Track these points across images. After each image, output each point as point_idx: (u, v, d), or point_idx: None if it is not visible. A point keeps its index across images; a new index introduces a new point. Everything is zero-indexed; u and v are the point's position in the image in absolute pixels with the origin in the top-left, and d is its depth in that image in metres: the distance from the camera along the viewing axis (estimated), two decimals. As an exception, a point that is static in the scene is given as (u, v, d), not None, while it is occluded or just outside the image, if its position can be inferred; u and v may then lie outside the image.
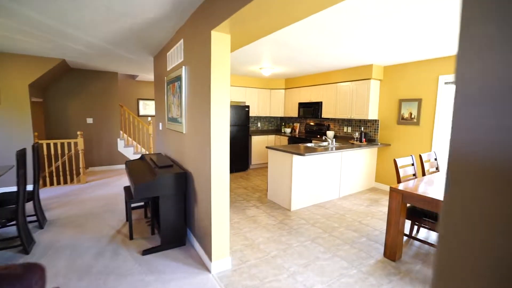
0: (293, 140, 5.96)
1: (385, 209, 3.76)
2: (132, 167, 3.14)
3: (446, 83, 3.83)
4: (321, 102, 5.56)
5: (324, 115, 5.54)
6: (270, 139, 6.56)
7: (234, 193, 4.45)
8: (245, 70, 5.31)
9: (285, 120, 7.20)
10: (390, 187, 2.39)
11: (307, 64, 4.61)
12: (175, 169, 2.68)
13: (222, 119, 2.16)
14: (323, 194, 4.05)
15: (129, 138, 6.59)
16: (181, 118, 2.78)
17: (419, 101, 4.13)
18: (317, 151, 3.58)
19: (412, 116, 4.24)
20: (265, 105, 6.72)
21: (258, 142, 6.36)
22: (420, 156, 2.94)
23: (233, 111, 5.70)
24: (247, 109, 5.93)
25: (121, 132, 6.52)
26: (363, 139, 4.60)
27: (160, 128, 4.03)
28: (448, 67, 3.79)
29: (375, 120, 4.79)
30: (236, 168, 5.97)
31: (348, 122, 5.33)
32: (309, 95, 5.91)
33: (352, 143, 4.56)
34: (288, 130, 6.72)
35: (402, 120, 4.38)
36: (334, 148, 3.95)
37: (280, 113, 6.80)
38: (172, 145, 3.36)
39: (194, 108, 2.47)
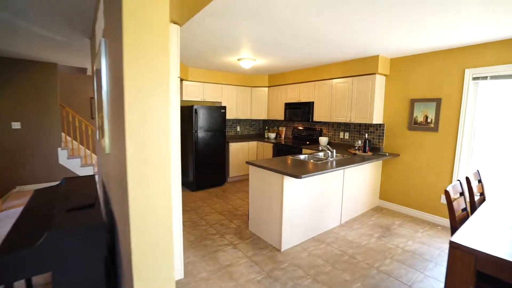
0: (279, 148, 4.97)
1: (403, 243, 2.86)
2: (33, 203, 1.97)
3: (474, 78, 3.02)
4: (313, 103, 4.63)
5: (316, 118, 4.60)
6: (252, 146, 5.54)
7: (206, 222, 3.37)
8: (220, 62, 4.25)
9: (269, 124, 6.22)
10: (452, 242, 1.45)
11: (297, 54, 3.64)
12: (93, 215, 1.57)
13: (153, 134, 1.10)
14: (322, 222, 3.08)
15: (73, 145, 5.28)
16: (104, 127, 1.67)
17: (438, 101, 3.30)
18: (315, 171, 2.60)
19: (429, 120, 3.40)
20: (245, 105, 5.69)
21: (237, 150, 5.31)
22: (468, 180, 2.04)
23: (206, 113, 4.62)
24: (223, 110, 4.87)
25: (66, 138, 5.20)
26: (367, 148, 3.70)
27: (97, 138, 2.87)
28: (477, 57, 2.97)
29: (380, 124, 3.92)
30: (211, 183, 4.87)
31: (346, 126, 4.44)
32: (297, 94, 4.96)
33: (354, 154, 3.65)
34: (272, 135, 5.73)
35: (415, 125, 3.53)
36: (335, 163, 3.00)
37: (263, 115, 5.80)
38: (102, 167, 2.23)
39: (114, 111, 1.38)
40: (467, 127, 3.10)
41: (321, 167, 2.75)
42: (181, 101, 5.01)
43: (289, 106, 5.10)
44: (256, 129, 6.36)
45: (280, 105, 5.38)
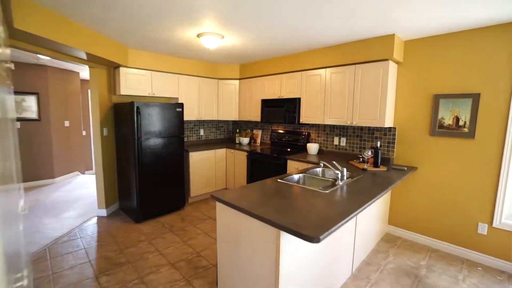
0: (255, 158, 3.83)
1: (453, 308, 1.91)
2: None
3: (531, 65, 2.19)
4: (299, 100, 3.57)
5: (303, 119, 3.55)
6: (220, 155, 4.32)
7: (146, 286, 2.09)
8: (173, 40, 2.96)
9: (241, 126, 5.04)
10: None
11: (282, 27, 2.53)
12: None
13: None
14: (331, 279, 2.02)
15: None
16: None
17: (475, 97, 2.44)
18: (334, 219, 1.51)
19: (461, 123, 2.53)
20: (210, 103, 4.45)
21: (200, 161, 4.05)
22: None
23: (154, 113, 3.29)
24: (179, 109, 3.57)
25: None
26: (379, 161, 2.72)
27: None
28: (535, 37, 2.15)
29: (390, 128, 3.00)
30: (164, 208, 3.56)
31: (342, 130, 3.45)
32: (278, 89, 3.86)
33: (363, 169, 2.65)
34: (245, 141, 4.57)
35: (441, 129, 2.65)
36: (346, 191, 1.96)
37: (233, 116, 4.61)
38: None
39: None
40: (517, 133, 2.28)
41: (336, 205, 1.67)
42: (119, 96, 3.60)
43: (267, 104, 3.98)
44: (225, 133, 5.14)
45: (255, 103, 4.24)
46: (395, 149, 2.99)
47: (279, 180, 2.21)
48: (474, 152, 2.48)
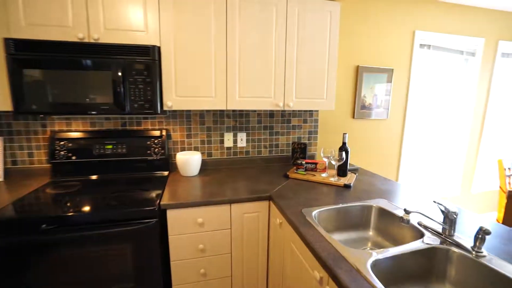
0: (31, 236, 1.13)
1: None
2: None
3: (422, 45, 2.26)
4: (157, 50, 1.43)
5: (174, 101, 1.51)
6: None
7: None
8: None
9: None
10: None
11: None
12: None
13: None
14: None
15: None
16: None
17: (389, 73, 2.19)
18: None
19: (378, 102, 2.22)
20: None
21: None
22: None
23: None
24: None
25: None
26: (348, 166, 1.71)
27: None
28: (425, 17, 2.21)
29: (311, 112, 2.05)
30: None
31: (237, 120, 1.92)
32: (81, 12, 1.33)
33: (347, 185, 1.50)
34: None
35: (363, 110, 2.19)
36: None
37: None
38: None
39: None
40: (411, 110, 2.36)
41: None
42: None
43: (35, 60, 1.27)
44: None
45: (-38, 49, 1.24)
46: (318, 142, 2.13)
47: None
48: (389, 134, 2.30)
